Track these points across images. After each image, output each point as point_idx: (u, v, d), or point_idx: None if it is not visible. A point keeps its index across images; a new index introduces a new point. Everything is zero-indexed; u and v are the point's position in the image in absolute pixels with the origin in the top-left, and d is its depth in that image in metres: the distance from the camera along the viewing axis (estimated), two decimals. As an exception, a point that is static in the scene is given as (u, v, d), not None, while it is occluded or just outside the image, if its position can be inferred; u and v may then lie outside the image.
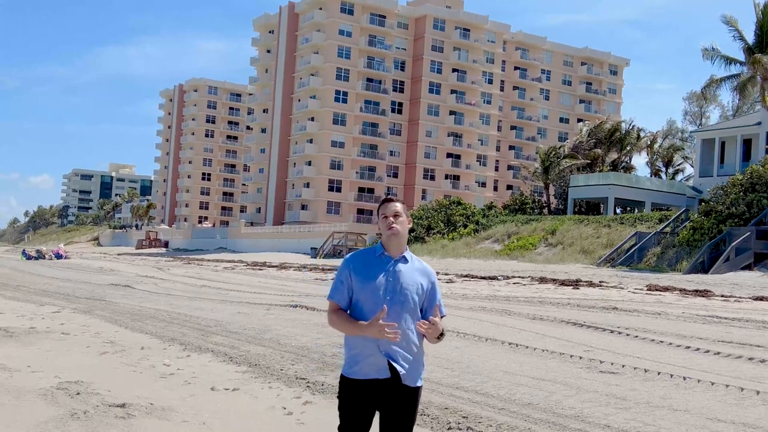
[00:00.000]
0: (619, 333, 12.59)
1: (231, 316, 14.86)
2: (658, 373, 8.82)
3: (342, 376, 3.76)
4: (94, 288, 23.44)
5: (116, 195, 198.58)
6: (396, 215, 3.76)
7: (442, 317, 3.74)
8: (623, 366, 9.32)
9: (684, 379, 8.49)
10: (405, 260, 3.75)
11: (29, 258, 57.50)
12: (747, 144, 45.14)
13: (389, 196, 3.92)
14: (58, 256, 58.51)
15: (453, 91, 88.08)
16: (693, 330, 13.16)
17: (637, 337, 12.16)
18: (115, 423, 6.15)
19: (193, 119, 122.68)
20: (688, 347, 11.00)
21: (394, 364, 3.63)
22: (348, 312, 3.73)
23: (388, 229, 3.73)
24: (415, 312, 3.69)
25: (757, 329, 13.46)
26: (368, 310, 3.64)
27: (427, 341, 3.75)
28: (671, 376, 8.68)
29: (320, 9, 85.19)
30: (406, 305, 3.66)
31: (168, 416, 6.49)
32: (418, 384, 3.74)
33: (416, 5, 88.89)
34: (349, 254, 3.88)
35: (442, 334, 3.68)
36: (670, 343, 11.38)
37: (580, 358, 9.93)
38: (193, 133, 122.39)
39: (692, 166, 60.88)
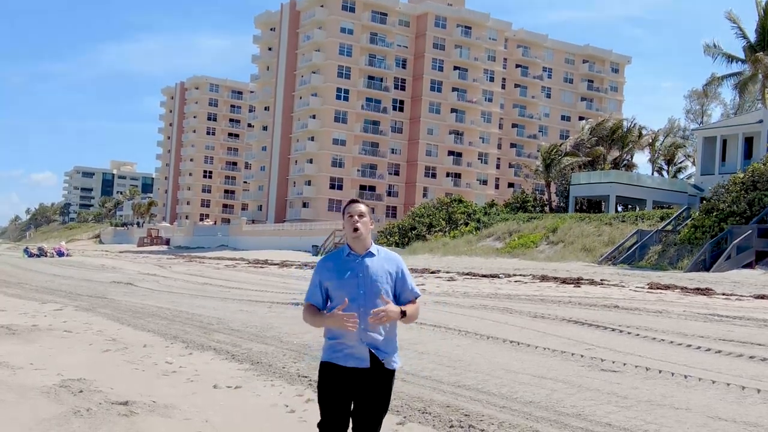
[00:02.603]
0: (621, 331, 12.59)
1: (233, 314, 14.89)
2: (660, 372, 8.83)
3: (323, 363, 3.97)
4: (96, 286, 23.47)
5: (118, 192, 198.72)
6: (360, 215, 4.05)
7: (416, 298, 4.12)
8: (624, 364, 9.33)
9: (685, 377, 8.50)
10: (371, 255, 4.06)
11: (31, 255, 57.57)
12: (748, 142, 45.02)
13: (355, 198, 4.22)
14: (60, 254, 58.58)
15: (454, 89, 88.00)
16: (694, 328, 13.16)
17: (638, 335, 12.16)
18: (117, 420, 6.17)
19: (194, 117, 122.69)
20: (690, 346, 11.01)
21: (376, 352, 3.92)
22: (325, 311, 3.99)
23: (354, 230, 4.02)
24: (388, 298, 3.96)
25: (759, 327, 13.46)
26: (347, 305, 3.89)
27: (401, 323, 4.04)
28: (672, 374, 8.69)
29: (321, 6, 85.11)
30: (379, 295, 3.93)
31: (170, 414, 6.51)
32: (394, 365, 4.01)
33: (417, 3, 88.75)
34: (321, 258, 4.21)
35: (404, 314, 3.94)
36: (672, 342, 11.39)
37: (582, 356, 9.94)
38: (194, 131, 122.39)
39: (694, 164, 60.81)
